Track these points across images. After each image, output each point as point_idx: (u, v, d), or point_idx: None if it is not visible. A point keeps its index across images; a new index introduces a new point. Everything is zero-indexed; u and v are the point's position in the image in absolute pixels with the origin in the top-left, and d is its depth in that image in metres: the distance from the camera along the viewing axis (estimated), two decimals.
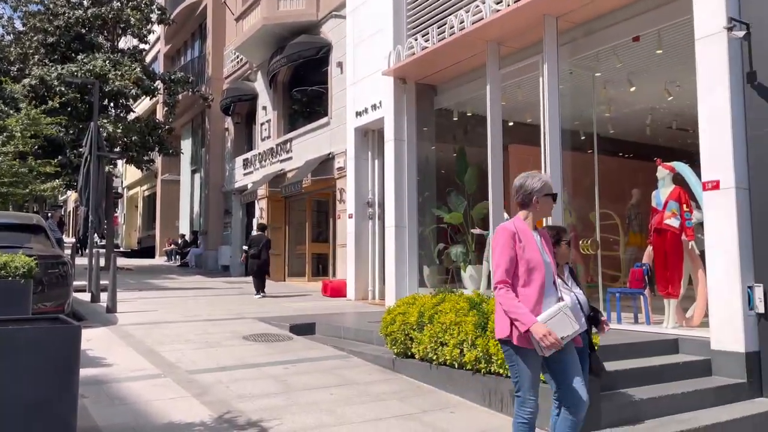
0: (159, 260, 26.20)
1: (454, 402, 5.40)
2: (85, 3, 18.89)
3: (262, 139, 18.68)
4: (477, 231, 9.99)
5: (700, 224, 6.55)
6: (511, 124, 10.11)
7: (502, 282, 3.43)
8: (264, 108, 18.60)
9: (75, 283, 9.19)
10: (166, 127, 20.32)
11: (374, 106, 11.75)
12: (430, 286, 10.25)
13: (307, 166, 15.20)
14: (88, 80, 15.51)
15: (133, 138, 18.11)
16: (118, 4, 18.83)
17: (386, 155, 10.94)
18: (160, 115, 23.17)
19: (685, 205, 6.80)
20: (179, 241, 24.80)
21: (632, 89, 9.27)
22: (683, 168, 7.09)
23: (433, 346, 5.79)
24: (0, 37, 20.02)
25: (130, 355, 6.76)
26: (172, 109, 20.25)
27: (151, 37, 21.82)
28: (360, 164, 12.58)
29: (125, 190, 35.23)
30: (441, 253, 10.79)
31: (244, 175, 19.75)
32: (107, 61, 17.25)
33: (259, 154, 18.66)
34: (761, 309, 5.71)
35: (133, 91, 17.87)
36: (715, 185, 5.95)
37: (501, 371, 5.08)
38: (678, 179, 7.06)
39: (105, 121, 17.05)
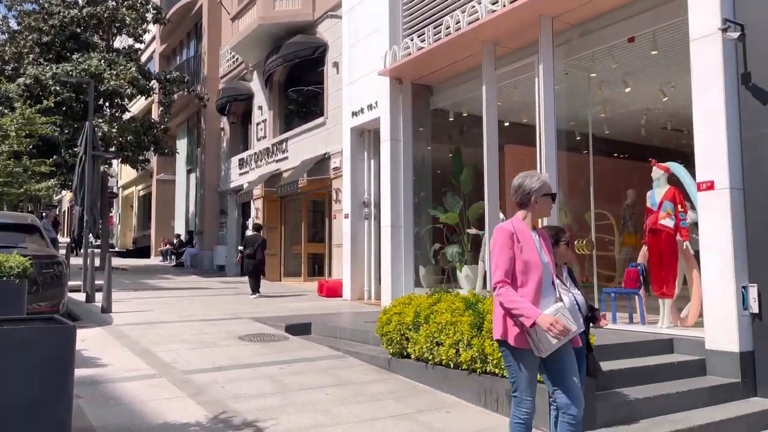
0: (154, 260, 26.15)
1: (450, 402, 5.40)
2: (80, 2, 18.84)
3: (258, 139, 18.66)
4: (473, 231, 10.01)
5: (695, 224, 6.57)
6: (506, 124, 10.13)
7: (502, 282, 3.40)
8: (260, 108, 18.59)
9: (70, 283, 9.15)
10: (162, 126, 20.27)
11: (370, 106, 11.76)
12: (425, 286, 10.27)
13: (303, 166, 15.19)
14: (83, 80, 15.46)
15: (129, 138, 18.06)
16: (114, 3, 18.79)
17: (382, 155, 10.94)
18: (155, 114, 23.10)
19: (679, 206, 6.83)
20: (174, 240, 24.74)
21: (627, 90, 9.30)
22: (678, 168, 7.12)
23: (428, 346, 5.79)
24: None
25: (125, 355, 6.74)
26: (167, 108, 20.22)
27: (147, 37, 21.75)
28: (356, 164, 12.59)
29: (120, 189, 35.14)
30: (437, 253, 10.80)
31: (240, 174, 19.72)
32: (102, 61, 17.20)
33: (255, 153, 18.64)
34: (755, 309, 5.73)
35: (129, 91, 17.83)
36: (710, 186, 5.97)
37: (497, 371, 5.09)
38: (673, 180, 7.08)
39: (100, 120, 17.00)
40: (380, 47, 10.94)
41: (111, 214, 31.49)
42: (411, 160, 10.73)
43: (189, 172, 24.67)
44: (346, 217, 12.58)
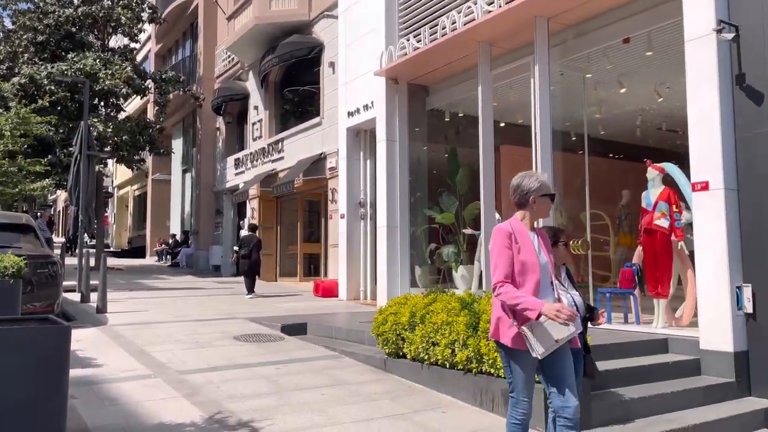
0: (149, 260, 26.08)
1: (445, 402, 5.41)
2: (75, 1, 18.77)
3: (254, 139, 18.64)
4: (468, 231, 10.02)
5: (690, 225, 6.60)
6: (502, 124, 10.15)
7: (502, 281, 3.38)
8: (255, 108, 18.57)
9: (65, 283, 9.13)
10: (157, 126, 20.22)
11: (366, 107, 11.76)
12: (421, 286, 10.27)
13: (299, 166, 15.18)
14: (78, 79, 15.41)
15: (124, 137, 18.01)
16: (109, 2, 18.73)
17: (378, 155, 10.95)
18: (150, 114, 23.07)
19: (674, 206, 6.86)
20: (170, 240, 24.69)
21: (622, 91, 9.33)
22: (673, 169, 7.14)
23: (424, 346, 5.80)
24: None
25: (121, 355, 6.73)
26: (163, 108, 20.17)
27: (142, 36, 21.74)
28: (352, 164, 12.58)
29: (116, 189, 35.04)
30: (433, 253, 10.81)
31: (236, 174, 19.69)
32: (98, 60, 17.15)
33: (251, 153, 18.61)
34: (749, 309, 5.76)
35: (124, 90, 17.80)
36: (704, 186, 6.00)
37: (492, 371, 5.10)
38: (668, 180, 7.11)
39: (95, 120, 16.95)
40: (376, 47, 10.94)
41: (106, 214, 31.39)
42: (407, 161, 10.73)
43: (184, 171, 24.63)
44: (342, 217, 12.57)
